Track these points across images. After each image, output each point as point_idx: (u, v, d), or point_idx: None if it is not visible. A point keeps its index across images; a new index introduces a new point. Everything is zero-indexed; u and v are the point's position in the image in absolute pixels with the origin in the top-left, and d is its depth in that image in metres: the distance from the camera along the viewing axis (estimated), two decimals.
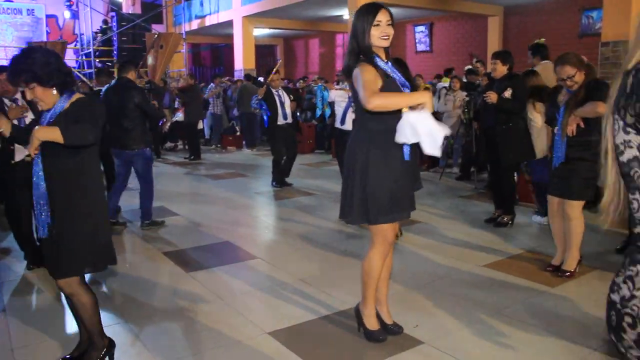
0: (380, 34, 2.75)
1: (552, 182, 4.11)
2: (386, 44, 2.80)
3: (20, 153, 4.04)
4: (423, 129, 2.60)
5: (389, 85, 2.78)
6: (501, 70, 5.24)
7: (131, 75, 5.63)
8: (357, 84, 2.74)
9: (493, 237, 5.14)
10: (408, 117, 2.63)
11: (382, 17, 2.75)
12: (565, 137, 3.88)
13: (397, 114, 2.72)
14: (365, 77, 2.69)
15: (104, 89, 5.87)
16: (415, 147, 2.81)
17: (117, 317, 3.47)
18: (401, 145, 2.79)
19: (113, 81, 5.79)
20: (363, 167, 2.83)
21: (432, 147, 2.63)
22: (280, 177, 7.77)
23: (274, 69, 7.63)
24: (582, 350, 2.96)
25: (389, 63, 2.86)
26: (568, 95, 3.92)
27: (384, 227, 2.92)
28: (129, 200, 6.79)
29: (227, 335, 3.20)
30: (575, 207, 3.94)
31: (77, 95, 2.66)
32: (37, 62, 2.48)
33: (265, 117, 7.59)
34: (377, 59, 2.80)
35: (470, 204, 6.52)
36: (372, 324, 3.10)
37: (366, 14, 2.76)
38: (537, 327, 3.26)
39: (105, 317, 3.44)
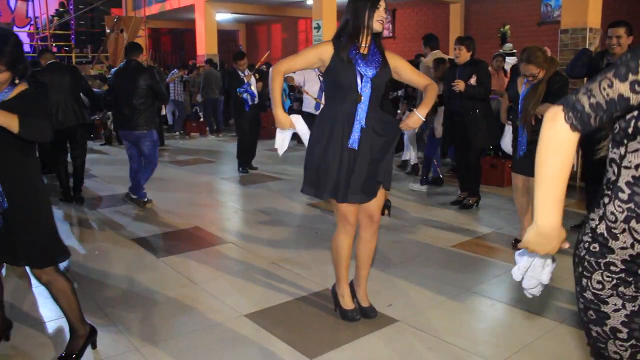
0: (378, 17, 2.80)
1: (517, 160, 4.24)
2: (380, 28, 2.85)
3: None
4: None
5: (339, 71, 2.83)
6: (465, 56, 5.34)
7: (140, 57, 5.77)
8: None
9: (460, 218, 5.27)
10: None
11: (382, 2, 2.82)
12: (526, 127, 4.05)
13: (349, 103, 2.85)
14: (306, 49, 2.99)
15: (113, 71, 6.03)
16: (380, 143, 2.92)
17: (90, 304, 3.42)
18: (349, 132, 2.85)
19: (122, 63, 5.89)
20: (311, 142, 2.99)
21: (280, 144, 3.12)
22: (246, 161, 7.79)
23: (264, 57, 8.83)
24: (550, 323, 3.09)
25: (369, 51, 2.87)
26: (528, 85, 4.06)
27: (341, 207, 2.97)
28: (106, 188, 6.69)
29: (204, 319, 3.20)
30: None
31: (22, 86, 2.47)
32: (15, 46, 2.38)
33: (248, 101, 7.53)
34: (351, 47, 2.83)
35: (435, 187, 6.64)
36: (346, 303, 3.16)
37: None
38: (506, 303, 3.38)
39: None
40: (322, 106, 5.81)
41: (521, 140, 4.11)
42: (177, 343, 2.92)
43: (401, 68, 2.98)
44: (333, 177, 2.90)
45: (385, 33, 15.73)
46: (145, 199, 5.82)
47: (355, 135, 2.84)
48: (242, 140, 7.76)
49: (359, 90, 2.82)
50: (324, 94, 2.96)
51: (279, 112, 2.89)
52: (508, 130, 4.63)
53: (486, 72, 5.36)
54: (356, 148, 2.85)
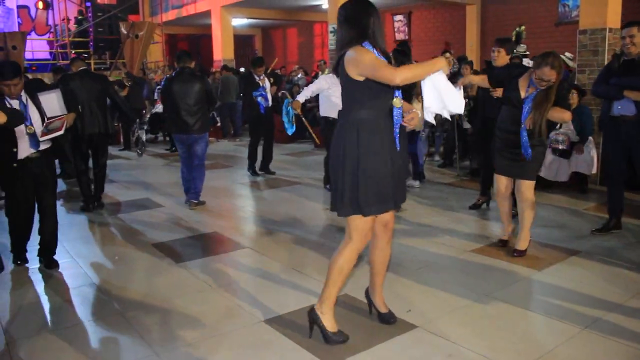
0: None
1: (502, 164, 4.28)
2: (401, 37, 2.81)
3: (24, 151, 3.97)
4: (445, 89, 2.73)
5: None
6: (504, 59, 5.10)
7: (191, 64, 6.08)
8: (359, 66, 2.67)
9: (477, 222, 5.23)
10: (430, 81, 2.72)
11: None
12: (537, 131, 4.04)
13: (388, 102, 2.77)
14: (370, 56, 2.66)
15: (164, 79, 6.30)
16: (405, 138, 2.88)
17: (111, 309, 3.46)
18: (391, 134, 2.81)
19: (174, 72, 6.14)
20: (352, 157, 2.77)
21: (456, 105, 2.75)
22: (262, 164, 7.92)
23: (273, 63, 8.79)
24: (572, 329, 3.05)
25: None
26: (533, 89, 4.02)
27: (362, 222, 2.83)
28: (125, 194, 6.77)
29: (223, 324, 3.21)
30: (531, 188, 4.20)
31: None
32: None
33: (262, 103, 7.62)
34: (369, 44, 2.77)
35: (454, 191, 6.60)
36: (331, 325, 2.95)
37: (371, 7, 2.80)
38: (525, 308, 3.35)
39: (99, 310, 3.46)
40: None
41: (525, 142, 4.06)
42: (196, 349, 2.94)
43: None
44: (395, 184, 2.86)
45: (401, 36, 15.72)
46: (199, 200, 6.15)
47: (397, 135, 2.83)
48: (254, 143, 7.88)
49: (396, 93, 2.80)
50: (353, 99, 2.80)
51: (432, 61, 2.71)
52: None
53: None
54: (399, 149, 2.86)
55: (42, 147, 4.05)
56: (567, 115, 4.09)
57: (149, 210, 5.98)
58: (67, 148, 5.97)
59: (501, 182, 4.34)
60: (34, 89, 4.13)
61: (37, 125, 3.98)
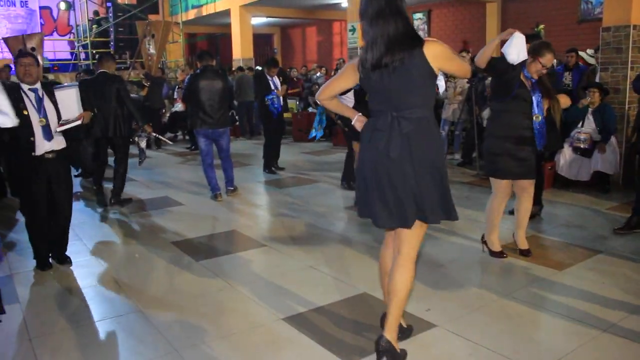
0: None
1: (509, 166, 4.05)
2: None
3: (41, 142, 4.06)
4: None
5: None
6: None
7: (213, 63, 6.50)
8: (452, 59, 2.55)
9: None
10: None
11: None
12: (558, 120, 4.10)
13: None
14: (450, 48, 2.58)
15: (188, 76, 6.61)
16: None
17: (131, 306, 3.50)
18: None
19: (199, 69, 6.45)
20: (440, 161, 2.65)
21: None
22: (272, 162, 8.03)
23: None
24: (593, 331, 3.01)
25: None
26: (530, 81, 3.99)
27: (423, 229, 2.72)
28: (145, 192, 6.84)
29: (242, 322, 3.23)
30: (533, 184, 4.19)
31: None
32: None
33: (274, 111, 7.78)
34: None
35: (473, 189, 6.56)
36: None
37: None
38: (546, 309, 3.31)
39: (119, 307, 3.50)
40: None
41: (539, 133, 4.00)
42: (216, 346, 2.96)
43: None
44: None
45: (421, 34, 15.65)
46: (219, 192, 6.46)
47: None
48: (269, 144, 8.03)
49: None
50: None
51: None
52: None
53: (559, 80, 5.17)
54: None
55: (57, 147, 4.12)
56: (568, 99, 4.33)
57: (169, 208, 6.03)
58: (86, 149, 6.04)
59: (507, 186, 4.15)
60: (52, 88, 4.24)
61: (53, 121, 4.08)
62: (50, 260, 4.29)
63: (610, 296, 3.46)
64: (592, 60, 8.20)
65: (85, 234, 5.12)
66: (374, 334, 3.03)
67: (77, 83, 4.43)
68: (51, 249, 4.30)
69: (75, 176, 8.04)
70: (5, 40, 12.41)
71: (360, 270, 4.04)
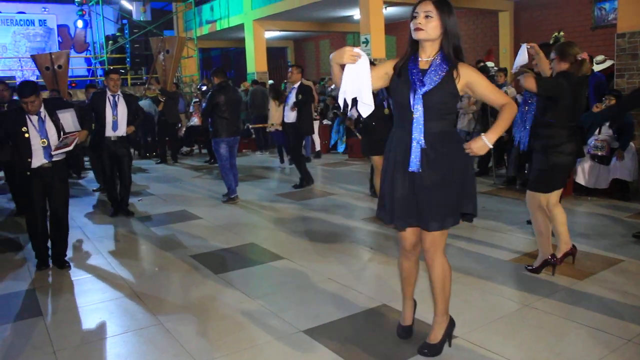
0: (413, 26, 2.65)
1: (541, 177, 4.01)
2: (416, 36, 2.63)
3: (38, 160, 4.45)
4: (366, 81, 2.55)
5: (393, 87, 2.78)
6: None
7: (227, 79, 7.21)
8: (480, 83, 2.69)
9: (516, 232, 5.15)
10: (356, 67, 2.54)
11: (419, 8, 2.63)
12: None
13: (407, 122, 2.70)
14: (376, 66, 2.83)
15: (212, 88, 7.11)
16: None
17: (152, 319, 3.53)
18: (408, 154, 2.71)
19: (217, 85, 7.01)
20: (464, 167, 2.74)
21: (367, 101, 2.57)
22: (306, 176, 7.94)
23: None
24: (617, 341, 2.98)
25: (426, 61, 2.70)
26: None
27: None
28: (163, 206, 6.91)
29: (262, 335, 3.25)
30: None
31: None
32: None
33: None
34: (409, 61, 2.72)
35: (490, 199, 6.53)
36: (402, 319, 3.17)
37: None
38: (568, 319, 3.28)
39: (140, 320, 3.53)
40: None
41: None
42: (237, 359, 2.97)
43: (475, 84, 2.68)
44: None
45: None
46: (237, 194, 7.14)
47: (414, 156, 2.65)
48: (294, 155, 8.08)
49: (412, 108, 2.65)
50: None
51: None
52: None
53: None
54: (415, 170, 2.66)
55: (55, 158, 4.48)
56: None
57: (187, 221, 6.08)
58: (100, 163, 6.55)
59: (540, 196, 4.05)
60: (54, 107, 4.62)
61: (53, 139, 4.47)
62: (51, 266, 4.66)
63: (632, 304, 3.43)
64: (596, 67, 8.11)
65: (106, 248, 5.18)
66: (393, 345, 3.03)
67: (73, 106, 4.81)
68: (52, 256, 4.68)
69: (94, 190, 8.16)
70: (34, 57, 12.65)
71: (379, 281, 4.04)
